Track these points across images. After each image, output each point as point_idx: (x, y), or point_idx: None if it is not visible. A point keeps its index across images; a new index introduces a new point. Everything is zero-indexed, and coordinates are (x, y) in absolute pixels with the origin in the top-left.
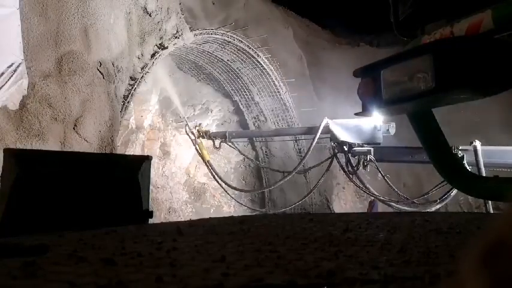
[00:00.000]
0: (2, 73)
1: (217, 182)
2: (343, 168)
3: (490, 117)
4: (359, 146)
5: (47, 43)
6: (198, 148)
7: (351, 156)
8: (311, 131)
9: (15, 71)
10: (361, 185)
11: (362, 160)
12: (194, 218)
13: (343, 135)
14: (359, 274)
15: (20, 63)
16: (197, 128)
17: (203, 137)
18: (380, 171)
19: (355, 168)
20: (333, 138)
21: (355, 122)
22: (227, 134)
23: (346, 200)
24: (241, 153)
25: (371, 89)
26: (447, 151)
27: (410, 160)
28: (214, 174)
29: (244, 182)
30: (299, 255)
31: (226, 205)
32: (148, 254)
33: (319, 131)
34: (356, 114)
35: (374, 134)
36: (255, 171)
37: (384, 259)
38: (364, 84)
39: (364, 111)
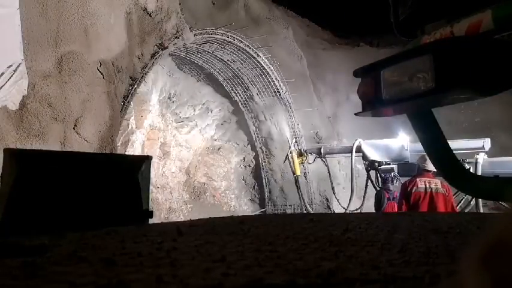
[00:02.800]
0: (2, 73)
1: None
2: (374, 186)
3: (492, 117)
4: (386, 164)
5: (47, 43)
6: (290, 162)
7: (381, 173)
8: (346, 150)
9: (15, 71)
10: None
11: (389, 177)
12: (194, 217)
13: (373, 155)
14: (359, 274)
15: (20, 63)
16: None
17: (301, 155)
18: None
19: (385, 184)
20: (364, 157)
21: (385, 142)
22: (322, 150)
23: (346, 200)
24: (328, 169)
25: (371, 89)
26: (447, 151)
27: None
28: (299, 190)
29: (244, 181)
30: (299, 255)
31: (226, 205)
32: (148, 254)
33: (353, 150)
34: (356, 114)
35: (401, 153)
36: (255, 171)
37: (384, 259)
38: (364, 84)
39: (364, 111)
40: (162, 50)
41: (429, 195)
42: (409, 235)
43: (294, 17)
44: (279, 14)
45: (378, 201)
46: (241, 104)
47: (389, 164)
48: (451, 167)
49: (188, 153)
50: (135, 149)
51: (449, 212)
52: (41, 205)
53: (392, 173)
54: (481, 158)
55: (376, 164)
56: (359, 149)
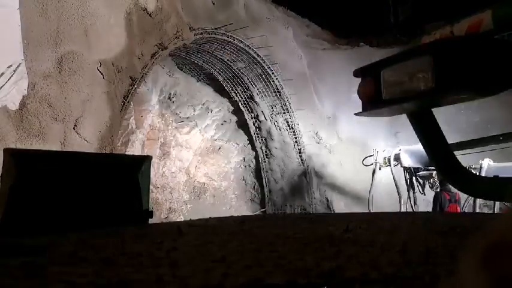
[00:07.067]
0: (2, 73)
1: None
2: (412, 189)
3: (492, 117)
4: (426, 170)
5: (47, 43)
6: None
7: (419, 178)
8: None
9: (15, 71)
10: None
11: (427, 182)
12: (194, 217)
13: (408, 161)
14: (359, 274)
15: (20, 63)
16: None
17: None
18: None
19: (423, 189)
20: (401, 164)
21: (421, 148)
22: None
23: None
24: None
25: (371, 89)
26: (447, 151)
27: None
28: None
29: (244, 181)
30: (299, 255)
31: (226, 205)
32: (148, 254)
33: (392, 158)
34: (356, 114)
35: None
36: (255, 171)
37: (384, 259)
38: (364, 84)
39: (364, 111)
40: (162, 50)
41: None
42: (409, 235)
43: (294, 17)
44: (279, 14)
45: (436, 202)
46: (241, 104)
47: (428, 170)
48: (451, 168)
49: (188, 153)
50: (135, 149)
51: None
52: (41, 205)
53: (431, 179)
54: (486, 163)
55: (413, 169)
56: (397, 157)
